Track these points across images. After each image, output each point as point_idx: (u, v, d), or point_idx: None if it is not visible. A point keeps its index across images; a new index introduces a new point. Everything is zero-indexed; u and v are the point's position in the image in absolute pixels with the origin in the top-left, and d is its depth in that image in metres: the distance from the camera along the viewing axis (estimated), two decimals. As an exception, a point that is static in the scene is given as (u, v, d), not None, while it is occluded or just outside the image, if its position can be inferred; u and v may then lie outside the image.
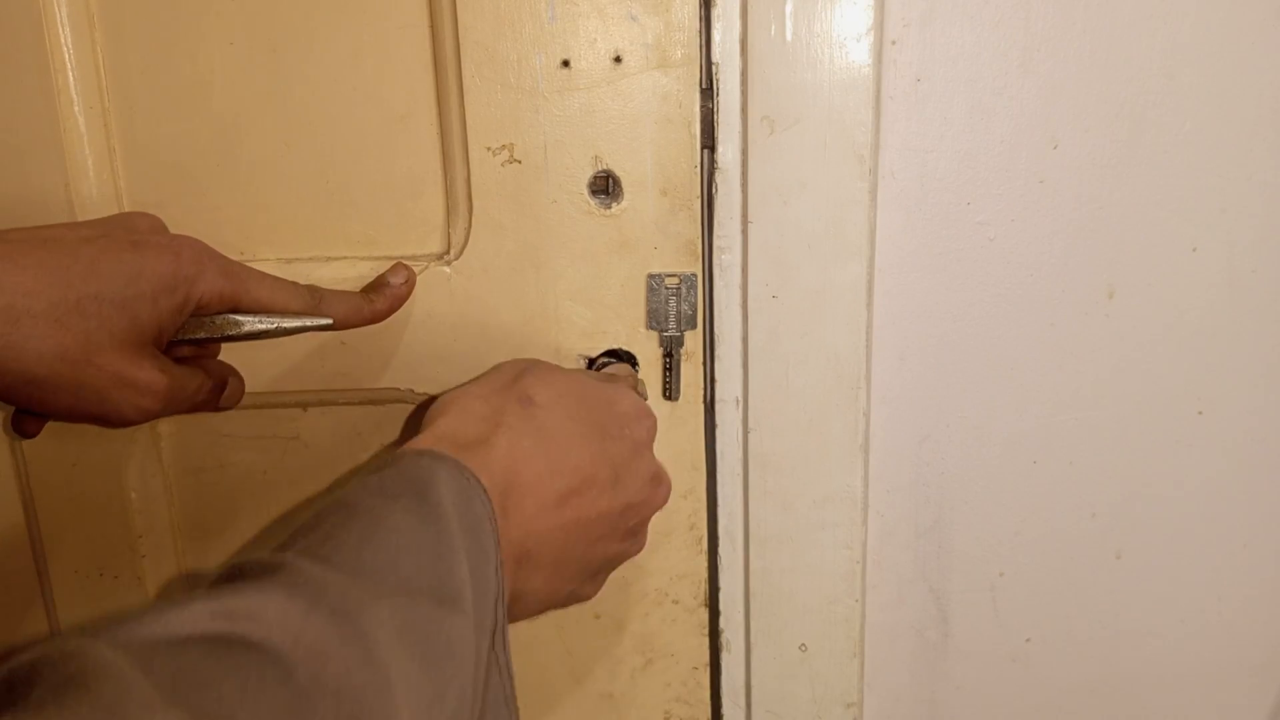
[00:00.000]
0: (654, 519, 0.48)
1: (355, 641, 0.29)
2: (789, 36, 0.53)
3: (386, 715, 0.28)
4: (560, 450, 0.41)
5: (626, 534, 0.45)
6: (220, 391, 0.50)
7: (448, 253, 0.56)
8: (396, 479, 0.36)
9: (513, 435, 0.40)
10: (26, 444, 0.58)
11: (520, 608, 0.41)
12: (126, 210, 0.55)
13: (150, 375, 0.43)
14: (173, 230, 0.49)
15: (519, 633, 0.62)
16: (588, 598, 0.46)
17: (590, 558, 0.43)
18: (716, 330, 0.59)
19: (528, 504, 0.39)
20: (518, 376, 0.45)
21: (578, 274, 0.56)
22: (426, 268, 0.55)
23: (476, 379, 0.47)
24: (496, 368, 0.48)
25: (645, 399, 0.57)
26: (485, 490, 0.37)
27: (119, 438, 0.58)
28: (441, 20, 0.53)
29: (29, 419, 0.47)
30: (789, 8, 0.53)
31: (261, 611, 0.28)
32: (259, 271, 0.49)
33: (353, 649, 0.28)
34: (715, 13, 0.54)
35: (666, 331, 0.57)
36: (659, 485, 0.47)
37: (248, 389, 0.53)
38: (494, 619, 0.36)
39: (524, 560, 0.39)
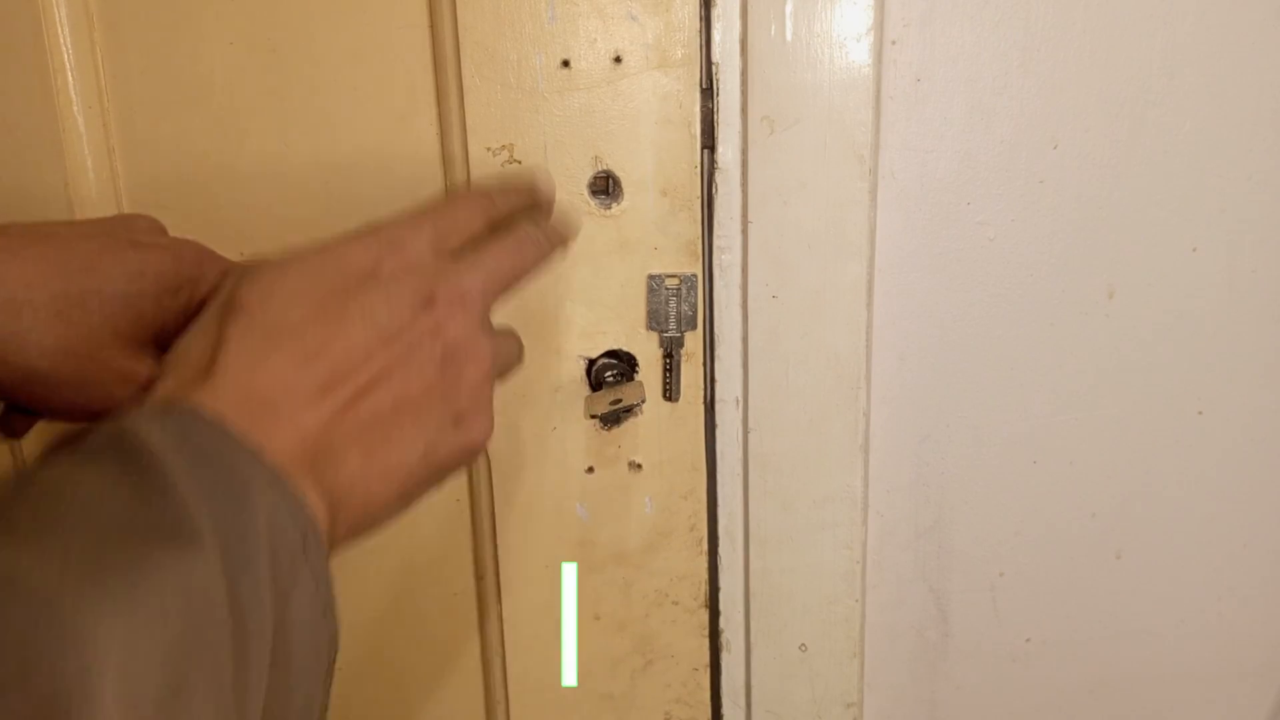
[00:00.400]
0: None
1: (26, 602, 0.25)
2: (789, 36, 0.53)
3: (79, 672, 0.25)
4: (298, 337, 0.38)
5: (440, 361, 0.40)
6: None
7: (448, 253, 0.56)
8: (86, 446, 0.33)
9: (233, 350, 0.37)
10: (27, 447, 0.58)
11: (363, 497, 0.37)
12: (126, 210, 0.55)
13: (156, 371, 0.43)
14: (173, 230, 0.49)
15: (519, 632, 0.62)
16: (474, 440, 0.41)
17: (412, 405, 0.39)
18: (716, 330, 0.59)
19: (285, 407, 0.36)
20: (224, 292, 0.41)
21: (577, 274, 0.56)
22: (426, 268, 0.55)
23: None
24: (213, 295, 0.43)
25: (643, 400, 0.57)
26: (219, 418, 0.34)
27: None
28: (441, 20, 0.53)
29: (19, 417, 0.46)
30: (789, 8, 0.53)
31: None
32: None
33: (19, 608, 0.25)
34: (715, 13, 0.54)
35: (667, 332, 0.57)
36: (432, 304, 0.41)
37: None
38: (287, 539, 0.33)
39: (321, 456, 0.37)
